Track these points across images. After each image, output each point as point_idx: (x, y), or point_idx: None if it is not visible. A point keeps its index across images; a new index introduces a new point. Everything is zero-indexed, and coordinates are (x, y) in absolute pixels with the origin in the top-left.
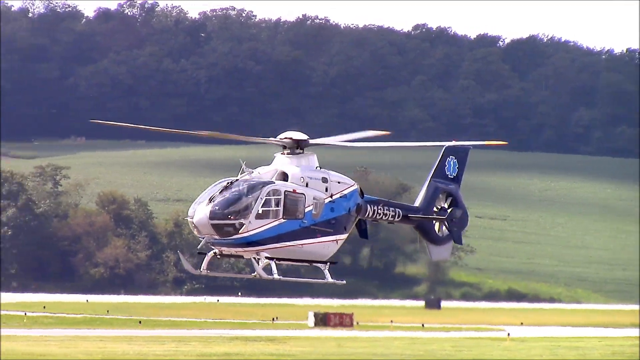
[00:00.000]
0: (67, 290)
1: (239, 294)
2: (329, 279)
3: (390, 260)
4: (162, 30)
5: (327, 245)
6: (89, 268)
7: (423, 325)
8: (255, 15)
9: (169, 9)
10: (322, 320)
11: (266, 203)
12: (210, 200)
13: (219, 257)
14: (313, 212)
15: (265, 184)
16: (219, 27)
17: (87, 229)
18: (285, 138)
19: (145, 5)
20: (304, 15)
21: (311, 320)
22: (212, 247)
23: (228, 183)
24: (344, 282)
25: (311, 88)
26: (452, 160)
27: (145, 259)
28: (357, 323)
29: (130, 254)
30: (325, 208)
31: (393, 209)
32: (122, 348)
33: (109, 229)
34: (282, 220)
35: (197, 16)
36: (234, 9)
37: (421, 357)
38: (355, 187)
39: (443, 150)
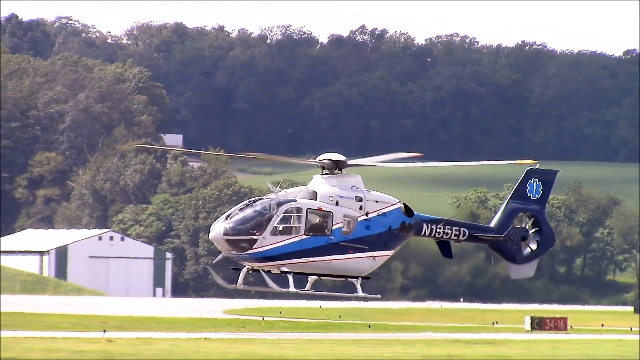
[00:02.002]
0: (302, 297)
1: (461, 299)
2: (360, 293)
3: (602, 269)
4: (391, 55)
5: (361, 261)
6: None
7: (631, 329)
8: (478, 42)
9: (397, 35)
10: (538, 324)
11: (284, 220)
12: (227, 217)
13: (251, 272)
14: (343, 229)
15: (284, 202)
16: (443, 52)
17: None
18: (324, 159)
19: (375, 32)
20: (522, 41)
21: (527, 324)
22: (239, 262)
23: (250, 201)
24: (379, 296)
25: (529, 109)
26: (535, 183)
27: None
28: (571, 327)
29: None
30: (358, 226)
31: (457, 228)
32: (351, 350)
33: None
34: (304, 237)
35: (424, 42)
36: (457, 35)
37: (630, 358)
38: (398, 206)
39: (525, 172)
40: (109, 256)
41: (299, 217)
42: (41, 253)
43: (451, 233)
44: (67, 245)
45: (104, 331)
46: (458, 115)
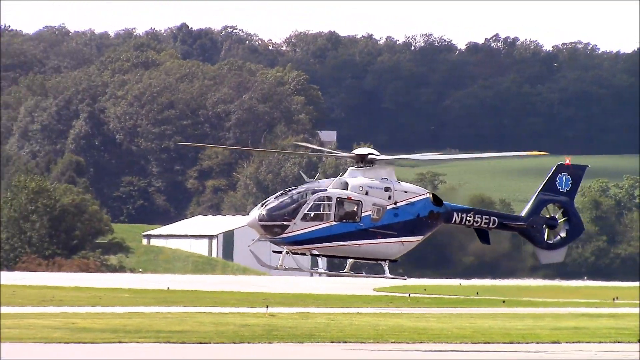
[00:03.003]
0: (444, 276)
1: (585, 278)
2: (388, 275)
3: None
4: (522, 60)
5: (390, 246)
6: (462, 257)
7: None
8: (599, 48)
9: (527, 42)
10: None
11: (314, 207)
12: (263, 205)
13: (288, 254)
14: (372, 216)
15: (315, 191)
16: (568, 58)
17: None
18: (358, 153)
19: (508, 40)
20: (639, 48)
21: None
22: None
23: (285, 191)
24: (405, 278)
25: None
26: (564, 177)
27: (508, 249)
28: None
29: (496, 245)
30: (387, 213)
31: (487, 217)
32: (488, 323)
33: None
34: (334, 223)
35: (551, 48)
36: (581, 42)
37: None
38: (426, 196)
39: (554, 167)
40: None
41: (329, 205)
42: (210, 237)
43: (481, 221)
44: (233, 230)
45: (267, 307)
46: (581, 115)
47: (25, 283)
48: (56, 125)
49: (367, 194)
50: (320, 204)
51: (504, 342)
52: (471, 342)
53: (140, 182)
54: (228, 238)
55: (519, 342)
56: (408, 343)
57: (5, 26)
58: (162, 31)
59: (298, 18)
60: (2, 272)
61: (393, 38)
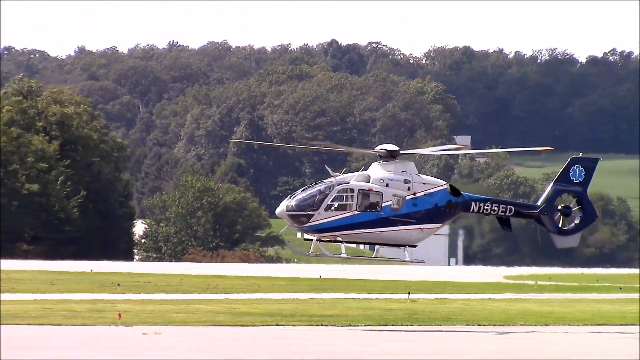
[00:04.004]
0: (568, 265)
1: None
2: (407, 259)
3: None
4: (636, 71)
5: (409, 232)
6: (584, 249)
7: None
8: None
9: None
10: None
11: (337, 198)
12: (291, 196)
13: (318, 241)
14: (393, 206)
15: (339, 183)
16: None
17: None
18: (381, 149)
19: (624, 53)
20: None
21: None
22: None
23: (312, 183)
24: (424, 261)
25: None
26: (577, 168)
27: (624, 241)
28: None
29: (614, 238)
30: (406, 203)
31: (504, 205)
32: (606, 307)
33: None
34: (356, 212)
35: None
36: None
37: None
38: (444, 187)
39: (569, 160)
40: None
41: (351, 196)
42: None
43: (498, 210)
44: None
45: (409, 293)
46: None
47: (191, 273)
48: (219, 131)
49: (387, 185)
50: (343, 195)
51: (621, 325)
52: (591, 325)
53: (295, 182)
54: None
55: (633, 324)
56: (535, 325)
57: (173, 42)
58: (314, 47)
59: (436, 34)
60: (170, 263)
61: (521, 52)
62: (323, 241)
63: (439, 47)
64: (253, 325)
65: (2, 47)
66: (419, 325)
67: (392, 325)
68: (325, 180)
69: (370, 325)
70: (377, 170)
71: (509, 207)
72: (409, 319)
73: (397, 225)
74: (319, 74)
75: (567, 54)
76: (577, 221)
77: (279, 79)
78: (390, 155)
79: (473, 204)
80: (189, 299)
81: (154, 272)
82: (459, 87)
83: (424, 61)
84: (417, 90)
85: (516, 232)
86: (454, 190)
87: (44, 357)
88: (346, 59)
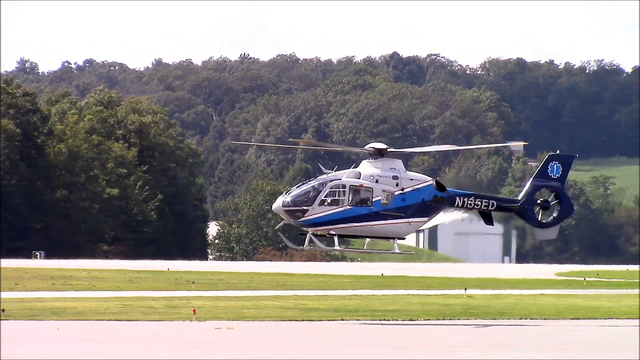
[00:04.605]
0: (614, 262)
1: None
2: (397, 251)
3: None
4: None
5: (399, 226)
6: (629, 247)
7: None
8: None
9: None
10: None
11: (330, 194)
12: (286, 193)
13: (312, 235)
14: (382, 201)
15: (331, 180)
16: None
17: (628, 220)
18: (370, 147)
19: None
20: None
21: None
22: (302, 228)
23: (305, 181)
24: (412, 253)
25: None
26: (555, 165)
27: None
28: None
29: None
30: (395, 198)
31: (487, 200)
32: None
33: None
34: (348, 207)
35: None
36: None
37: None
38: (429, 183)
39: (546, 157)
40: (469, 233)
41: (343, 192)
42: (418, 231)
43: (481, 204)
44: (437, 225)
45: (465, 289)
46: None
47: (262, 271)
48: (288, 138)
49: (377, 182)
50: (336, 190)
51: None
52: (637, 318)
53: None
54: (433, 232)
55: None
56: (583, 319)
57: (244, 54)
58: (377, 58)
59: (491, 46)
60: (241, 262)
61: (571, 63)
62: (317, 235)
63: (493, 59)
64: (319, 320)
65: (84, 60)
66: (475, 319)
67: (450, 319)
68: (318, 177)
69: (429, 319)
70: (367, 168)
71: (491, 201)
72: (465, 314)
73: (387, 219)
74: (382, 84)
75: (614, 65)
76: (555, 215)
77: (344, 89)
78: (379, 154)
79: (458, 198)
80: (259, 295)
81: (226, 271)
82: (512, 96)
83: (479, 72)
84: (473, 99)
85: (568, 231)
86: (440, 186)
87: (123, 350)
88: (407, 70)
